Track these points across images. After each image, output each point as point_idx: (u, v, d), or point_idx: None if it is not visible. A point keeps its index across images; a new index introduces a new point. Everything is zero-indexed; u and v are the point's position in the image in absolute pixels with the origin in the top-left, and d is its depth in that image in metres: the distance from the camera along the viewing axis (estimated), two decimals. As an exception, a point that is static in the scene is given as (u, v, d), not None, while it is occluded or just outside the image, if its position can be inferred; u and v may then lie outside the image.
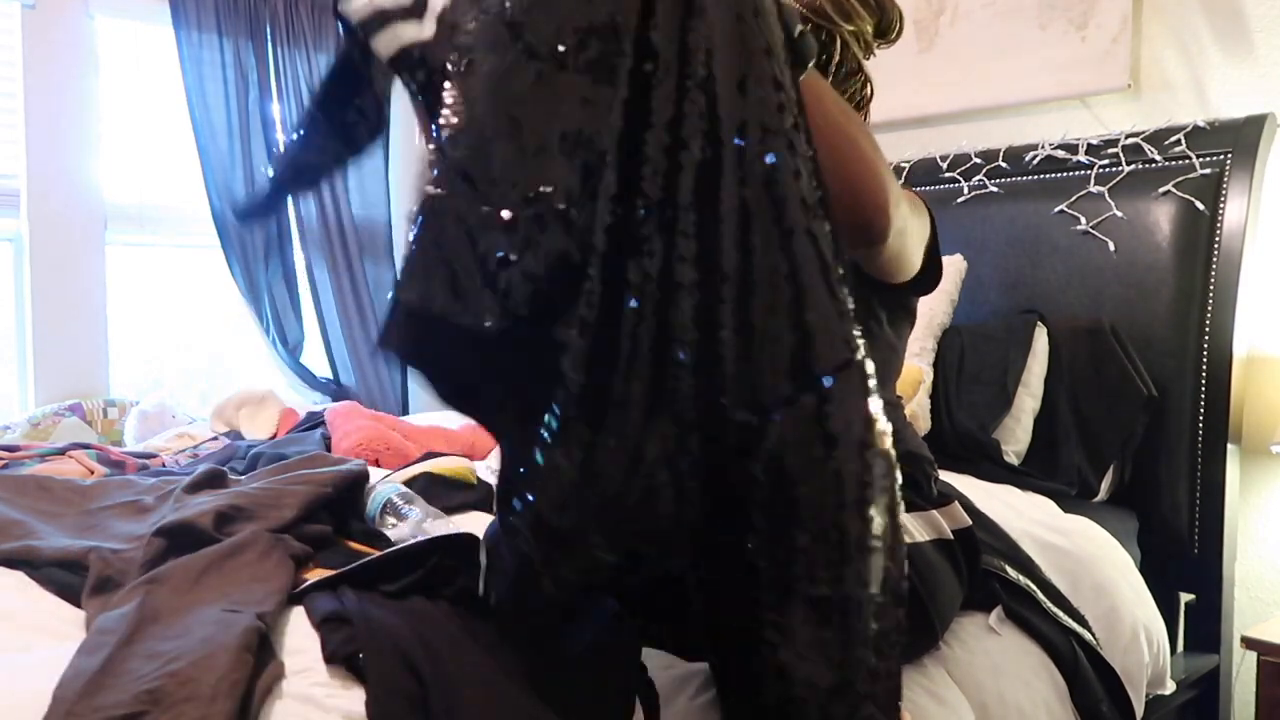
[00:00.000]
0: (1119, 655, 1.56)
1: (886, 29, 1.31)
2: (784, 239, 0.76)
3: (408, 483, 1.57)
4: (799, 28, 0.92)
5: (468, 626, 0.98)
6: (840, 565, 0.76)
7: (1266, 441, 1.98)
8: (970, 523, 1.33)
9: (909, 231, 1.14)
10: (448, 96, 0.77)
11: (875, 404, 0.77)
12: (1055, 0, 2.34)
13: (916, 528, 1.23)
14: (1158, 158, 2.06)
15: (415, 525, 1.40)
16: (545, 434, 0.77)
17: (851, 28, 1.28)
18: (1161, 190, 2.02)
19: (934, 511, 1.28)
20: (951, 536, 1.29)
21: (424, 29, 0.82)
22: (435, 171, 0.75)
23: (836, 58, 1.27)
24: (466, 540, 1.07)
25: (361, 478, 1.52)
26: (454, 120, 0.76)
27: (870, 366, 0.77)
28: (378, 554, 1.13)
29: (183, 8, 3.14)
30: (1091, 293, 2.10)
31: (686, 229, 0.75)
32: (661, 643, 1.10)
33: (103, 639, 0.94)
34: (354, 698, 0.93)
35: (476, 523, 1.44)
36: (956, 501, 1.34)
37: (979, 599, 1.42)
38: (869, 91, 1.34)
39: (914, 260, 1.19)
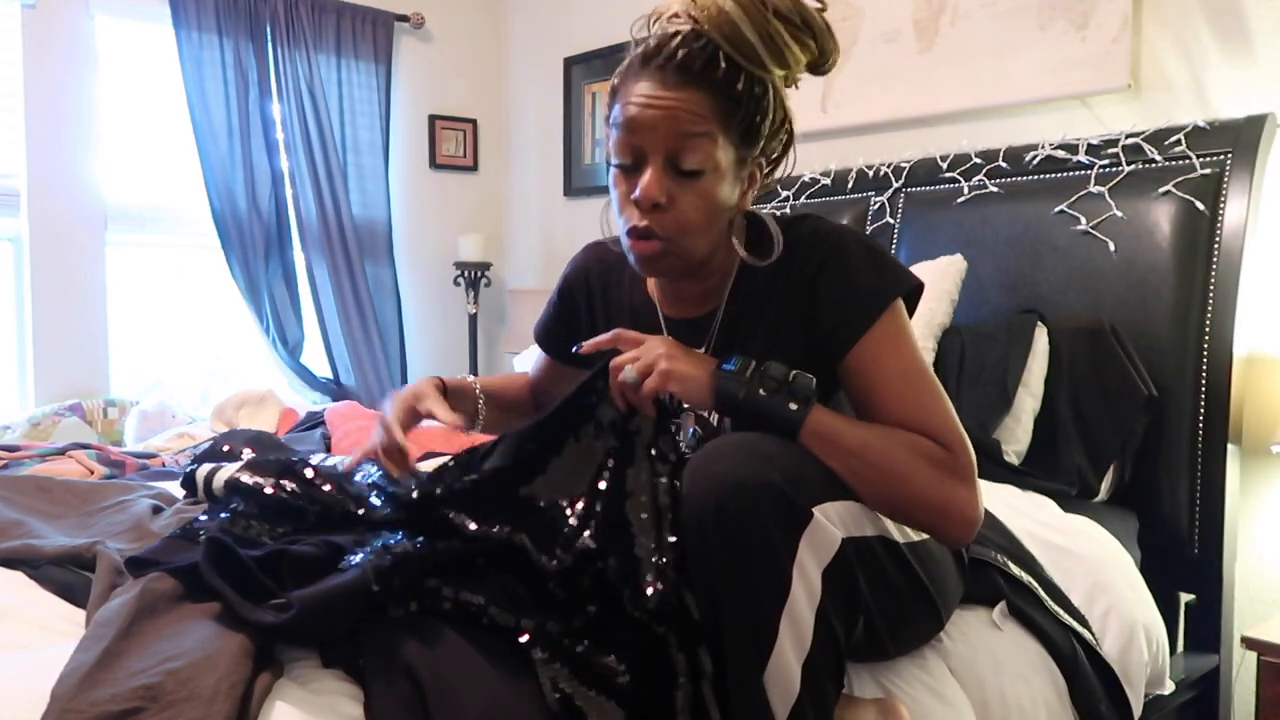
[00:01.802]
0: (1118, 655, 1.56)
1: (820, 64, 1.18)
2: None
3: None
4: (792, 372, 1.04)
5: (465, 632, 0.98)
6: None
7: (1266, 441, 1.98)
8: None
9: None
10: None
11: None
12: (1055, 0, 2.34)
13: None
14: (1158, 158, 2.06)
15: None
16: None
17: (783, 72, 1.14)
18: (1161, 190, 2.02)
19: None
20: None
21: None
22: None
23: (770, 116, 1.14)
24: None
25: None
26: None
27: None
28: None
29: (183, 8, 3.14)
30: (1091, 293, 2.09)
31: None
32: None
33: (101, 631, 0.93)
34: (353, 701, 0.93)
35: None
36: None
37: (982, 594, 1.42)
38: (788, 147, 1.22)
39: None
